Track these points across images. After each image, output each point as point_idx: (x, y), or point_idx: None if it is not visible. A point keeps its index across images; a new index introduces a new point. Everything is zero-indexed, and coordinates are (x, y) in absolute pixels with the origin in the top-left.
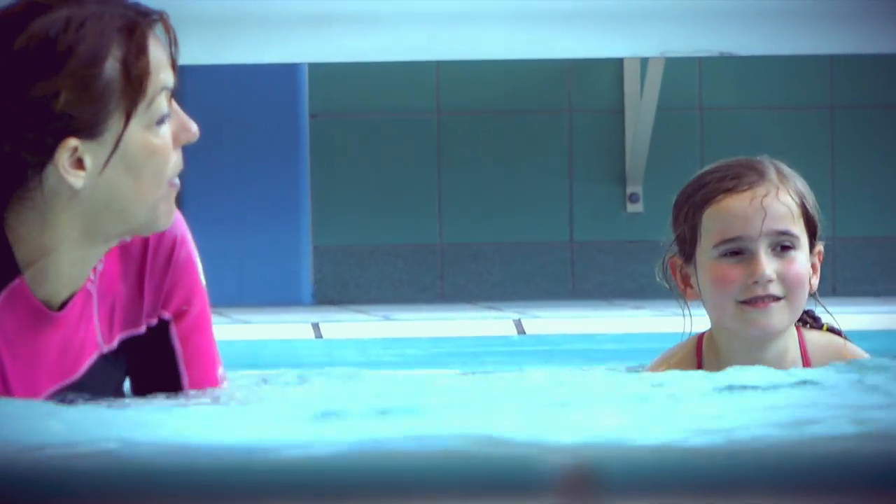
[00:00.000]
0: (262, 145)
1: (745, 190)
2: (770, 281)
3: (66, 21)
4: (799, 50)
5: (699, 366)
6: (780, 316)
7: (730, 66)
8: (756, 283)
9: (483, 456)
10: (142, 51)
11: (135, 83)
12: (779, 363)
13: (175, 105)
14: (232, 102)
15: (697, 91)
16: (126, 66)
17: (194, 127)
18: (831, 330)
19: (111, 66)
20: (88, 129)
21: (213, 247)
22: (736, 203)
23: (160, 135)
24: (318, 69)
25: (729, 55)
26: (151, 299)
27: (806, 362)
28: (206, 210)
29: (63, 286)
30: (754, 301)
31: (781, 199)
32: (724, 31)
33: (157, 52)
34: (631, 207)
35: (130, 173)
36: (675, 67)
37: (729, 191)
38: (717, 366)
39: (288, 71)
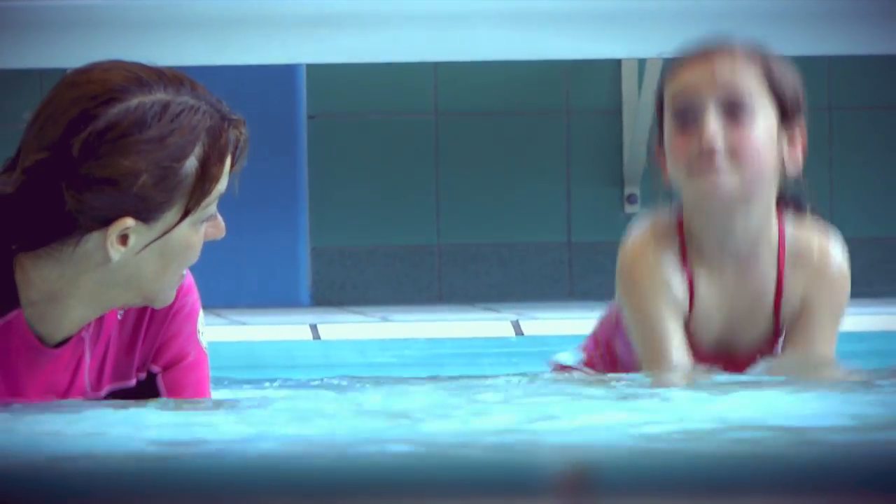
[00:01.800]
0: (259, 146)
1: (699, 57)
2: (715, 146)
3: (164, 107)
4: (796, 51)
5: (682, 242)
6: (726, 184)
7: None
8: (701, 152)
9: (481, 457)
10: (221, 156)
11: (206, 185)
12: (752, 247)
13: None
14: (230, 103)
15: None
16: (204, 167)
17: (223, 226)
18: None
19: (191, 163)
20: (148, 214)
21: (210, 248)
22: (688, 71)
23: (199, 232)
24: (315, 70)
25: None
26: (144, 353)
27: (780, 257)
28: None
29: (60, 331)
30: (699, 165)
31: (737, 67)
32: (721, 32)
33: (228, 158)
34: (629, 208)
35: (162, 260)
36: None
37: (687, 61)
38: (696, 244)
39: (286, 72)
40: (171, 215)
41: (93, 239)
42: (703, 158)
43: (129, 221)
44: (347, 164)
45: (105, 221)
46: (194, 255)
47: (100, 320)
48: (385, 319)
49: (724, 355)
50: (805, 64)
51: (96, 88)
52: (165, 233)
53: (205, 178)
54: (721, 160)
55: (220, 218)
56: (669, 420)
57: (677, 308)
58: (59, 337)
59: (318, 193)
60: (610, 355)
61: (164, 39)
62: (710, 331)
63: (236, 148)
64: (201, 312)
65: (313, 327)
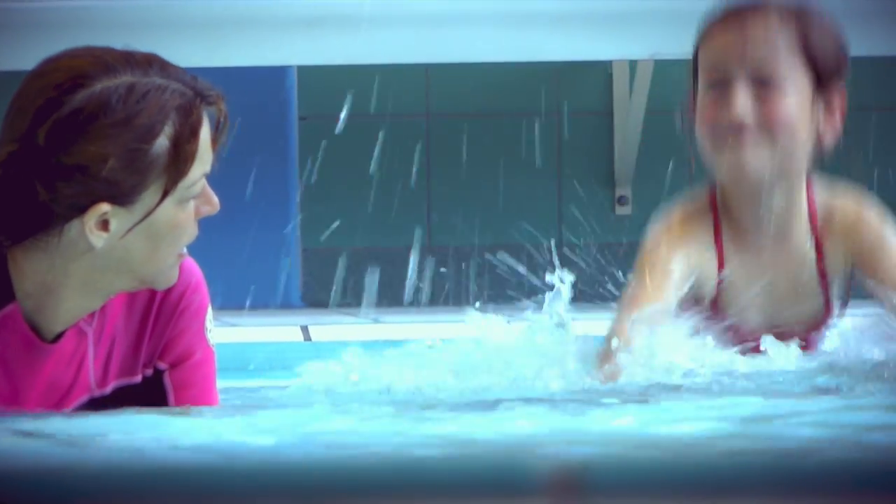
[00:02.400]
0: (251, 147)
1: (732, 19)
2: (744, 119)
3: (129, 89)
4: None
5: (716, 218)
6: (756, 158)
7: None
8: (728, 118)
9: (473, 458)
10: (194, 134)
11: (181, 164)
12: (786, 220)
13: (203, 179)
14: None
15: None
16: (176, 145)
17: (216, 201)
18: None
19: (161, 143)
20: (123, 197)
21: (201, 249)
22: (721, 35)
23: (185, 210)
24: (307, 71)
25: None
26: (151, 349)
27: (814, 225)
28: None
29: (58, 323)
30: (725, 138)
31: (770, 34)
32: None
33: (206, 136)
34: (619, 210)
35: (150, 242)
36: (664, 69)
37: (719, 21)
38: (731, 220)
39: (277, 73)
40: (150, 196)
41: (74, 227)
42: (731, 133)
43: (104, 207)
44: (339, 166)
45: (81, 209)
46: (185, 234)
47: (102, 315)
48: (377, 321)
49: (774, 327)
50: None
51: (61, 76)
52: (148, 214)
53: (178, 156)
54: (750, 135)
55: (211, 194)
56: (662, 422)
57: (682, 289)
58: (57, 329)
59: (309, 194)
60: None
61: (156, 41)
62: (752, 309)
63: (218, 125)
64: (210, 310)
65: (304, 328)
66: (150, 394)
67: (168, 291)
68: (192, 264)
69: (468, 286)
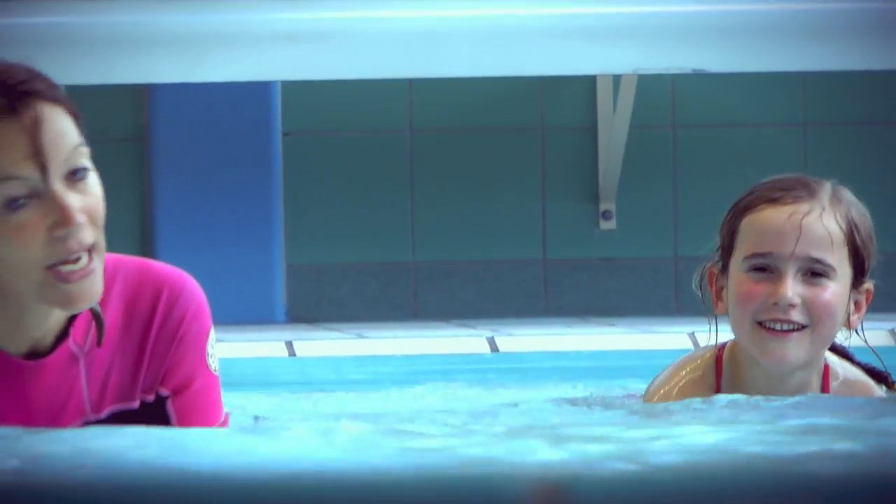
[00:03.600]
0: (234, 163)
1: (787, 203)
2: (793, 306)
3: None
4: (772, 67)
5: (718, 381)
6: (799, 348)
7: (703, 83)
8: (776, 304)
9: (458, 476)
10: None
11: None
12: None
13: (56, 192)
14: (205, 120)
15: (670, 108)
16: None
17: (72, 215)
18: (872, 372)
19: None
20: None
21: (185, 265)
22: (774, 215)
23: (9, 221)
24: (290, 87)
25: (702, 72)
26: (150, 375)
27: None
28: (178, 228)
29: (21, 335)
30: (772, 325)
31: (825, 222)
32: (696, 48)
33: (5, 141)
34: (604, 224)
35: None
36: (648, 84)
37: (772, 201)
38: (736, 386)
39: (261, 88)
40: None
41: None
42: (777, 311)
43: None
44: (322, 181)
45: None
46: (22, 248)
47: (94, 338)
48: (360, 336)
49: None
50: (779, 80)
51: None
52: None
53: None
54: (795, 317)
55: (62, 201)
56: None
57: None
58: (19, 346)
59: (293, 210)
60: None
61: (140, 56)
62: None
63: (36, 128)
64: (212, 335)
65: (289, 344)
66: (148, 420)
67: (167, 317)
68: (193, 288)
69: (452, 302)
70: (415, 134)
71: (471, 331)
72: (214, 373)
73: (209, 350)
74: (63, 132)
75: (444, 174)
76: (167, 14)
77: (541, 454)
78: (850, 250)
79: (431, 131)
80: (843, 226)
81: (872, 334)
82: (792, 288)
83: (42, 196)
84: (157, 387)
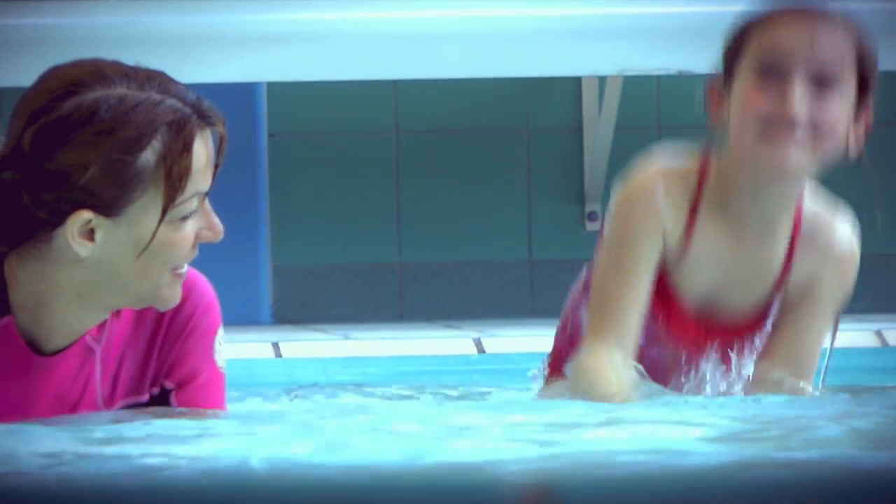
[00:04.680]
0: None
1: (799, 15)
2: (798, 116)
3: (120, 100)
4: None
5: (699, 189)
6: (800, 160)
7: (688, 84)
8: (782, 113)
9: (444, 477)
10: (186, 150)
11: (174, 180)
12: (774, 219)
13: (206, 203)
14: None
15: (656, 109)
16: (165, 161)
17: (220, 228)
18: None
19: (148, 157)
20: (107, 208)
21: None
22: (787, 24)
23: (180, 229)
24: (276, 88)
25: (687, 73)
26: (158, 368)
27: (795, 234)
28: None
29: (55, 336)
30: (776, 132)
31: (836, 36)
32: (682, 49)
33: (202, 155)
34: (590, 226)
35: (139, 258)
36: (634, 85)
37: (783, 13)
38: (718, 197)
39: (246, 90)
40: (138, 211)
41: (61, 235)
42: (782, 127)
43: (85, 214)
44: (308, 183)
45: (62, 215)
46: (178, 255)
47: (111, 332)
48: (347, 337)
49: (706, 314)
50: None
51: (57, 83)
52: (136, 230)
53: (171, 173)
54: (801, 133)
55: (214, 219)
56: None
57: (654, 262)
58: (54, 344)
59: (279, 211)
60: (575, 329)
61: (125, 58)
62: (698, 284)
63: (218, 148)
64: (220, 331)
65: (275, 345)
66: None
67: (177, 312)
68: (205, 286)
69: (438, 303)
70: (401, 135)
71: (457, 332)
72: (221, 370)
73: (217, 347)
74: None
75: (430, 175)
76: (152, 15)
77: (527, 455)
78: (857, 63)
79: (417, 132)
80: (851, 40)
81: (858, 335)
82: (801, 97)
83: (199, 205)
84: (163, 379)
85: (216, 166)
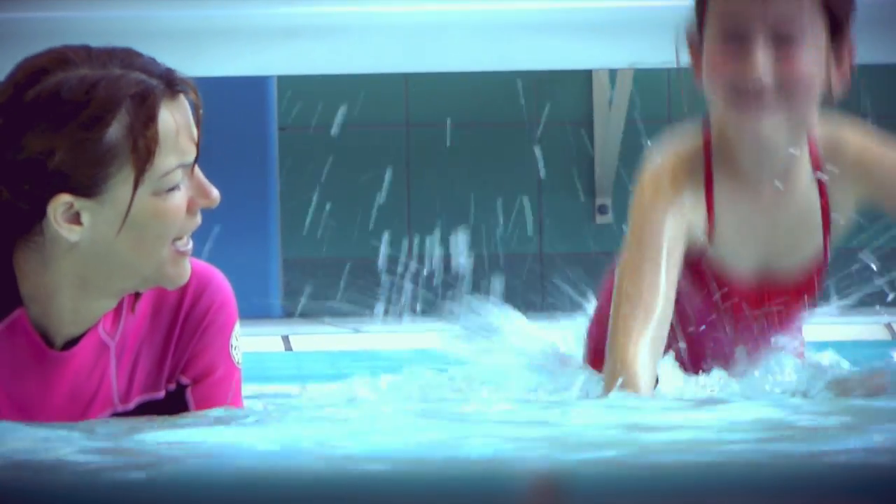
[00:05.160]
0: (230, 158)
1: None
2: (764, 81)
3: (80, 81)
4: None
5: (708, 164)
6: (774, 121)
7: None
8: (746, 79)
9: (452, 471)
10: (151, 120)
11: (141, 152)
12: (790, 165)
13: (197, 171)
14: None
15: (666, 102)
16: (133, 133)
17: (215, 193)
18: None
19: (116, 132)
20: (85, 189)
21: None
22: None
23: (168, 200)
24: (286, 82)
25: None
26: (174, 363)
27: (816, 166)
28: None
29: (65, 327)
30: (745, 99)
31: None
32: None
33: (171, 124)
34: (600, 219)
35: (132, 233)
36: (644, 78)
37: None
38: (727, 166)
39: (256, 83)
40: (120, 187)
41: (50, 224)
42: (748, 94)
43: (64, 198)
44: (318, 176)
45: (42, 203)
46: (170, 225)
47: (126, 328)
48: (357, 331)
49: (764, 282)
50: None
51: (21, 75)
52: (121, 207)
53: (137, 144)
54: (770, 97)
55: (208, 185)
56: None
57: (679, 252)
58: (68, 334)
59: (289, 205)
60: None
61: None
62: (741, 254)
63: (195, 113)
64: (237, 327)
65: (285, 339)
66: (172, 409)
67: (194, 307)
68: (221, 281)
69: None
70: (411, 129)
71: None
72: (237, 365)
73: (233, 342)
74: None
75: (440, 169)
76: (162, 9)
77: (538, 451)
78: (823, 6)
79: (427, 126)
80: None
81: (868, 328)
82: (763, 61)
83: (184, 174)
84: (179, 375)
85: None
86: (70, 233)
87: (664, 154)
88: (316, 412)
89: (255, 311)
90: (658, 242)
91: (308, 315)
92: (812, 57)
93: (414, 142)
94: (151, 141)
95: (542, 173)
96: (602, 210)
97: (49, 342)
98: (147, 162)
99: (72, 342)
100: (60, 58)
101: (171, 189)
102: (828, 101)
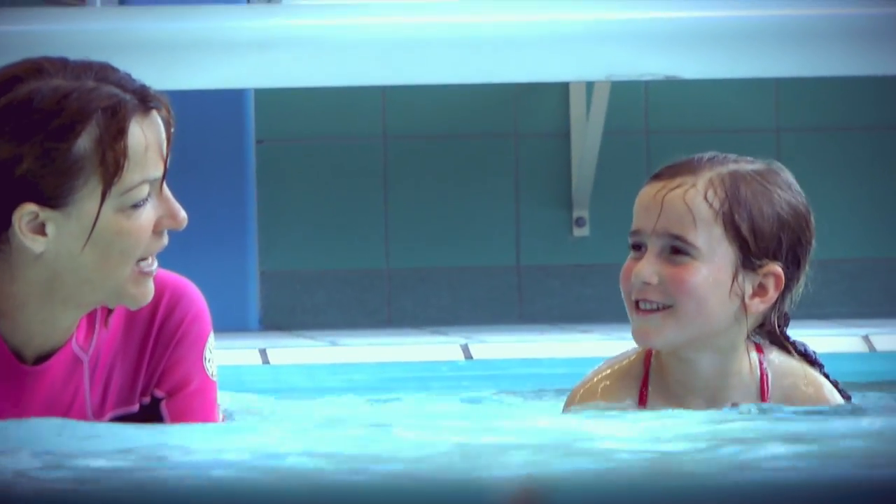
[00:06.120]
0: (208, 170)
1: (661, 179)
2: (648, 284)
3: (52, 90)
4: (744, 73)
5: (645, 375)
6: (663, 328)
7: (676, 89)
8: (628, 286)
9: (433, 484)
10: (120, 133)
11: (109, 165)
12: (719, 386)
13: (165, 190)
14: (178, 127)
15: (643, 114)
16: (102, 146)
17: (182, 215)
18: (805, 356)
19: (84, 144)
20: (51, 200)
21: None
22: (645, 192)
23: (132, 217)
24: (264, 94)
25: (674, 78)
26: (148, 377)
27: (763, 390)
28: None
29: (35, 339)
30: (642, 305)
31: (688, 199)
32: (669, 54)
33: (141, 139)
34: (577, 231)
35: (97, 251)
36: (621, 91)
37: (652, 178)
38: (662, 379)
39: (234, 96)
40: (84, 198)
41: (15, 233)
42: (635, 297)
43: (29, 207)
44: (296, 189)
45: (8, 211)
46: (133, 244)
47: (99, 343)
48: (334, 344)
49: None
50: (752, 85)
51: None
52: (87, 220)
53: (105, 158)
54: (653, 300)
55: (175, 206)
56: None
57: None
58: (39, 349)
59: (266, 217)
60: None
61: (113, 64)
62: None
63: (166, 130)
64: (211, 340)
65: (262, 352)
66: (147, 423)
67: (167, 320)
68: (194, 294)
69: (426, 308)
70: (388, 141)
71: (444, 338)
72: (212, 378)
73: (207, 355)
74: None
75: (418, 181)
76: (139, 22)
77: (516, 460)
78: (727, 231)
79: (405, 138)
80: (716, 204)
81: (846, 340)
82: (649, 266)
83: (152, 193)
84: (153, 388)
85: (167, 150)
86: (34, 243)
87: (604, 367)
88: (297, 423)
89: (232, 324)
90: None
91: (285, 328)
92: (705, 272)
93: (391, 154)
94: (120, 154)
95: (519, 186)
96: (579, 223)
97: (20, 357)
98: (115, 175)
99: (45, 357)
100: (35, 67)
101: (136, 206)
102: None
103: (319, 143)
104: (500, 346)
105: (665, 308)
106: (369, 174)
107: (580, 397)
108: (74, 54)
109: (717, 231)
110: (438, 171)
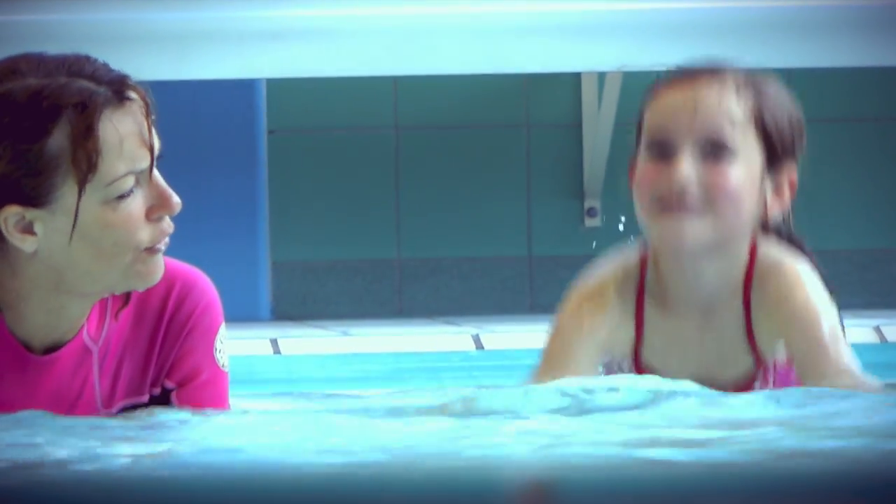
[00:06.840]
0: (219, 161)
1: (685, 82)
2: (687, 189)
3: (23, 90)
4: (756, 63)
5: (641, 281)
6: (697, 229)
7: None
8: (670, 188)
9: (443, 471)
10: (90, 129)
11: (81, 161)
12: (717, 295)
13: (156, 177)
14: (189, 118)
15: None
16: (73, 143)
17: (174, 200)
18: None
19: (57, 141)
20: (33, 199)
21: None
22: (670, 97)
23: (119, 209)
24: (275, 85)
25: None
26: (159, 368)
27: (746, 299)
28: None
29: (42, 330)
30: (667, 207)
31: (723, 101)
32: (681, 44)
33: (114, 132)
34: (589, 222)
35: (87, 242)
36: (633, 81)
37: (672, 84)
38: (658, 284)
39: (245, 86)
40: (66, 195)
41: (6, 234)
42: (671, 201)
43: (13, 209)
44: (307, 179)
45: None
46: (125, 235)
47: (109, 332)
48: (346, 334)
49: (704, 384)
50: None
51: None
52: (76, 218)
53: (77, 154)
54: (693, 202)
55: (168, 193)
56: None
57: (597, 357)
58: (48, 340)
59: (278, 208)
60: None
61: (124, 54)
62: (671, 368)
63: (146, 119)
64: (222, 330)
65: (274, 342)
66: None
67: (177, 311)
68: (205, 284)
69: (437, 299)
70: (400, 131)
71: (456, 328)
72: (223, 368)
73: (217, 345)
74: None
75: (430, 171)
76: (152, 12)
77: (525, 452)
78: (758, 131)
79: (416, 129)
80: (747, 105)
81: (857, 331)
82: (687, 169)
83: (141, 182)
84: (163, 379)
85: (150, 138)
86: (24, 243)
87: (599, 270)
88: (308, 416)
89: (243, 315)
90: (579, 349)
91: (297, 318)
92: (742, 173)
93: (403, 144)
94: (92, 150)
95: (531, 176)
96: (591, 213)
97: (29, 347)
98: (89, 171)
99: (54, 347)
100: (11, 68)
101: (122, 197)
102: (764, 228)
103: (331, 133)
104: (512, 336)
105: (702, 209)
106: (381, 164)
107: (583, 299)
108: (85, 45)
109: (751, 132)
110: (450, 162)
